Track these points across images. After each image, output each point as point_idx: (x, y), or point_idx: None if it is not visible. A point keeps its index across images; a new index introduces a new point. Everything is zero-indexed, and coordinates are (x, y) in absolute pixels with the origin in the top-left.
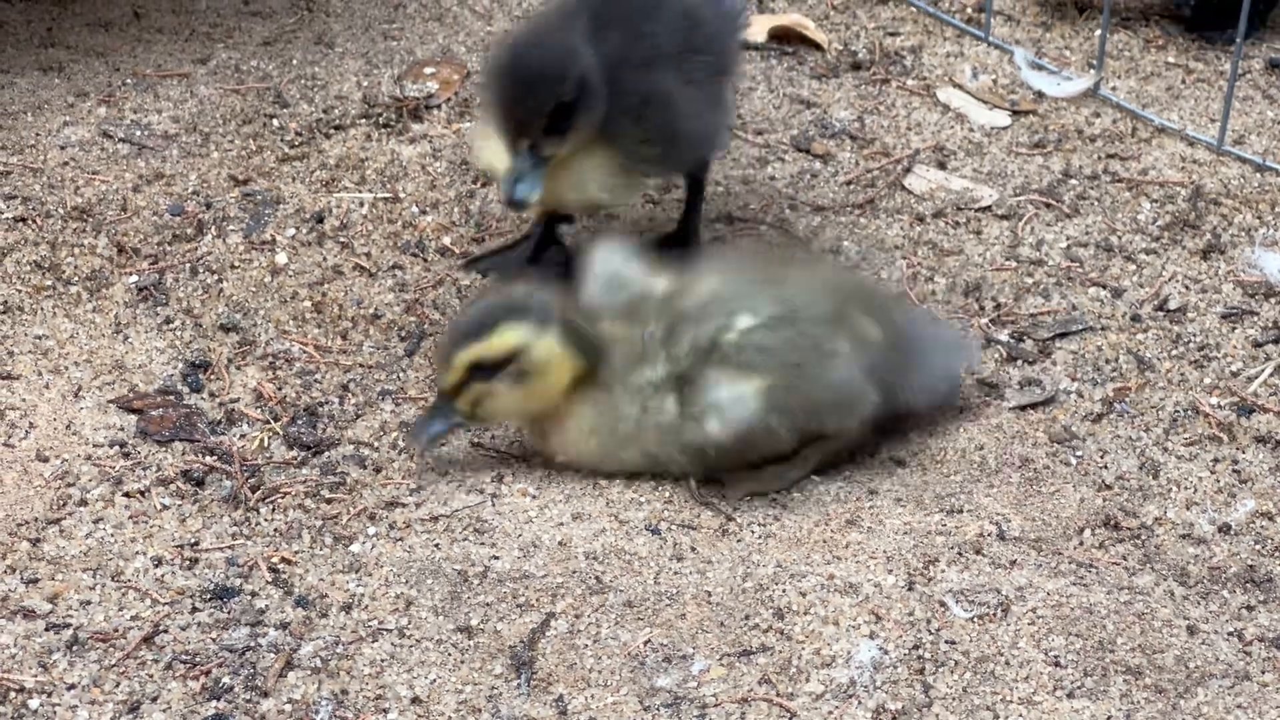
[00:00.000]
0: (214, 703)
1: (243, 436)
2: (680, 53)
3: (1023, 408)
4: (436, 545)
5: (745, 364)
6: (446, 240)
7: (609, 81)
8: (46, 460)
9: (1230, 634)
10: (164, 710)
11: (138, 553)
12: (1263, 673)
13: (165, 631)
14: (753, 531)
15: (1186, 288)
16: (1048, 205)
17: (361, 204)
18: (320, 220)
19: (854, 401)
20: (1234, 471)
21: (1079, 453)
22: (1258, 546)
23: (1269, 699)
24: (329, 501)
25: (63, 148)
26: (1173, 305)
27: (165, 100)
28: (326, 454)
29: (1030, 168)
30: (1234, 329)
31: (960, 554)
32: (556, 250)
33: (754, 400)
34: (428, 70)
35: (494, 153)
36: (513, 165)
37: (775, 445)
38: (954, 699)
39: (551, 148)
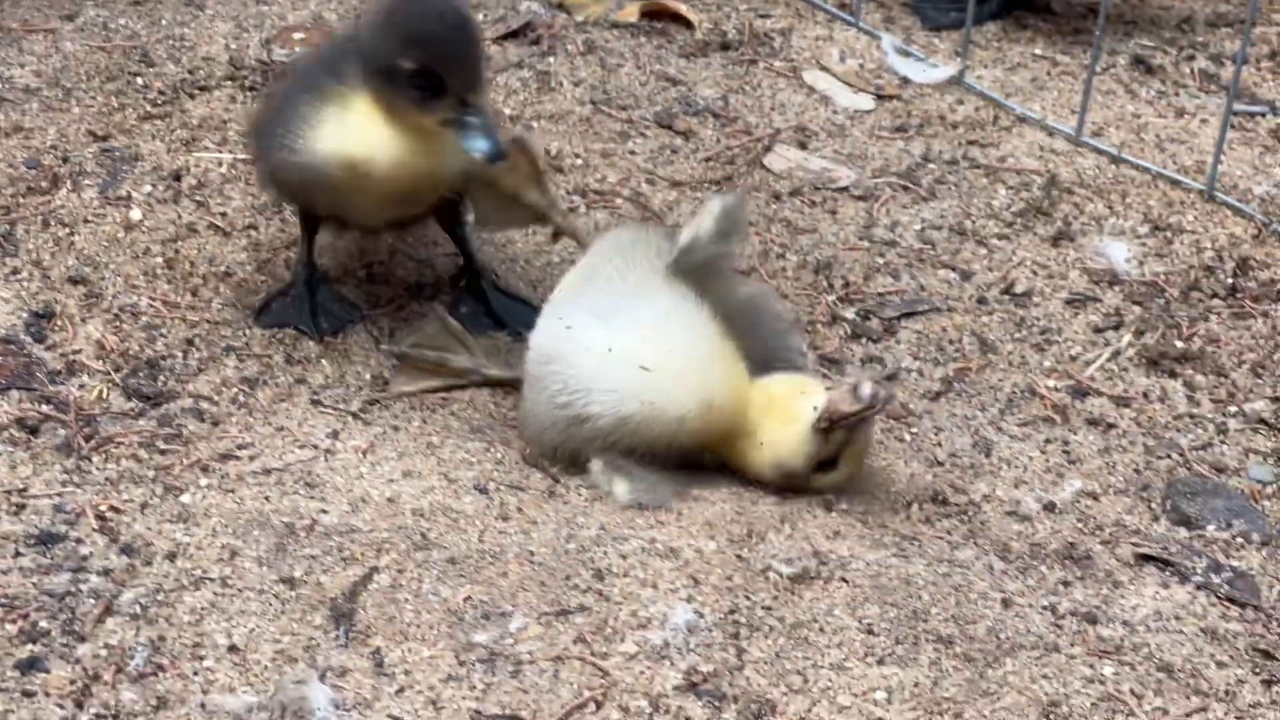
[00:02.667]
0: (30, 646)
1: (81, 387)
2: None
3: None
4: (267, 498)
5: None
6: None
7: None
8: None
9: (1045, 608)
10: None
11: None
12: (1072, 645)
13: None
14: (580, 494)
15: (1034, 273)
16: (905, 188)
17: (221, 164)
18: (178, 178)
19: None
20: (1064, 452)
21: (914, 429)
22: (1080, 525)
23: (1075, 670)
24: (163, 453)
25: None
26: (1019, 289)
27: (29, 55)
28: (165, 406)
29: (890, 151)
30: (1076, 314)
31: (784, 523)
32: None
33: None
34: (297, 35)
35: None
36: None
37: None
38: (766, 663)
39: None
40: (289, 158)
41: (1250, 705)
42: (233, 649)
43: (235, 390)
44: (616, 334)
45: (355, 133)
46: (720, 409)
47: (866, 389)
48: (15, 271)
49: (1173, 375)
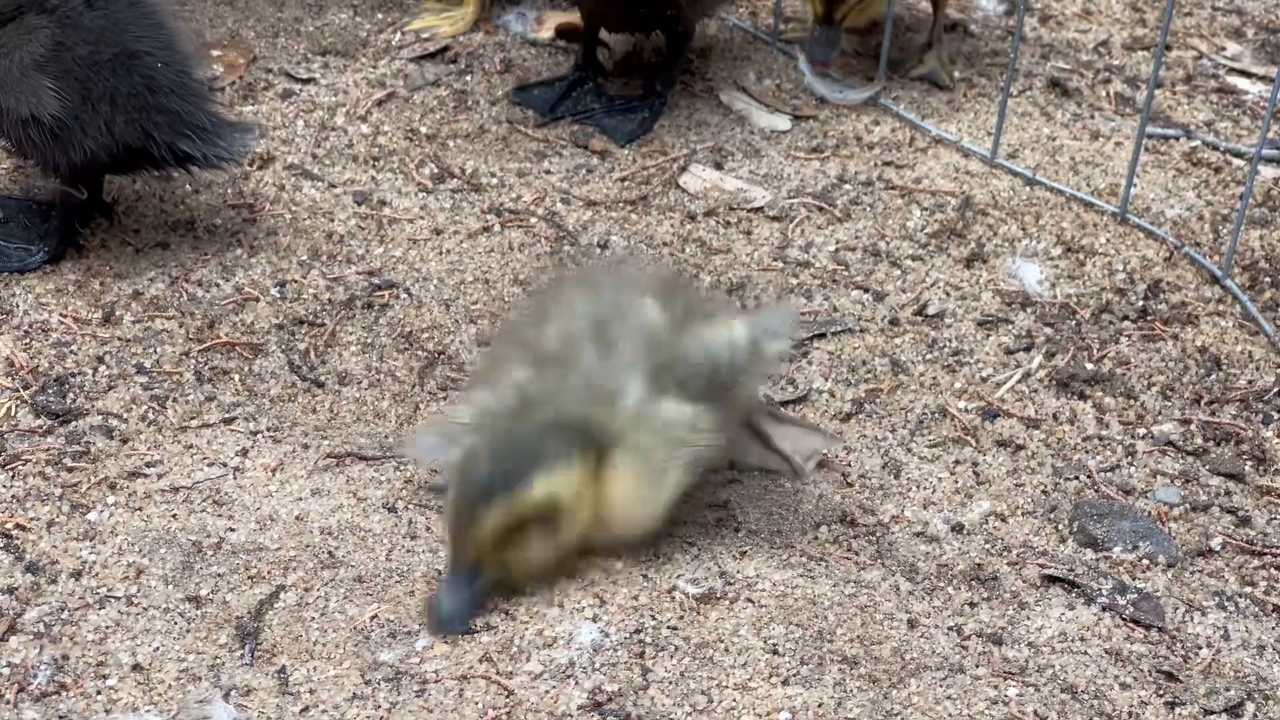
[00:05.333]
0: None
1: None
2: None
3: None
4: (174, 515)
5: None
6: (218, 220)
7: None
8: None
9: (950, 629)
10: None
11: None
12: (976, 666)
13: None
14: None
15: (947, 294)
16: (820, 209)
17: (134, 181)
18: None
19: None
20: (973, 473)
21: (824, 451)
22: (987, 546)
23: (979, 691)
24: (71, 470)
25: None
26: (932, 310)
27: None
28: (74, 423)
29: (806, 171)
30: (989, 336)
31: (692, 543)
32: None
33: None
34: (214, 53)
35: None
36: None
37: None
38: (671, 683)
39: None
40: None
41: None
42: (137, 667)
43: (145, 408)
44: None
45: None
46: None
47: None
48: None
49: (1082, 397)
